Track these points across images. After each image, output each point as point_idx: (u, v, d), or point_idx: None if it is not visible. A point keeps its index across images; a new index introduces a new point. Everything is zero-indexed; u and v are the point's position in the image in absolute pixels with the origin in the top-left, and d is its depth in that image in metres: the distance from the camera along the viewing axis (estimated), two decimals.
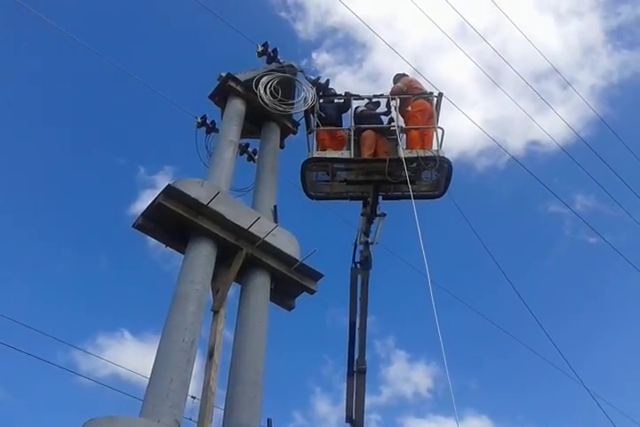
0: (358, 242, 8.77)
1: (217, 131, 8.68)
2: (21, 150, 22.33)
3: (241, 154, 8.88)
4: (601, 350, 24.96)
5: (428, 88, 9.00)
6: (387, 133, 8.51)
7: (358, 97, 8.94)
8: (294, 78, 8.49)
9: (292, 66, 8.56)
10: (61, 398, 20.11)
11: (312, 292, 6.60)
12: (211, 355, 5.49)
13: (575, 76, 25.88)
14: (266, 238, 6.25)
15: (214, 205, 6.04)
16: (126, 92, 20.44)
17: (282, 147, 8.42)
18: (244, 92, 8.06)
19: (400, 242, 11.60)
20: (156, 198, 5.92)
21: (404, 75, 9.36)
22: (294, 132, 8.59)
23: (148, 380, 4.90)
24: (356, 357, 8.30)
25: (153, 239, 6.21)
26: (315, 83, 8.59)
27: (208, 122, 8.96)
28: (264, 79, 8.08)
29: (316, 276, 6.58)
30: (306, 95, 8.27)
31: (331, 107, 8.80)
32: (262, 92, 7.92)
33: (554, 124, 14.64)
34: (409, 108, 8.58)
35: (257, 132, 8.35)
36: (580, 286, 27.38)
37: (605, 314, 25.25)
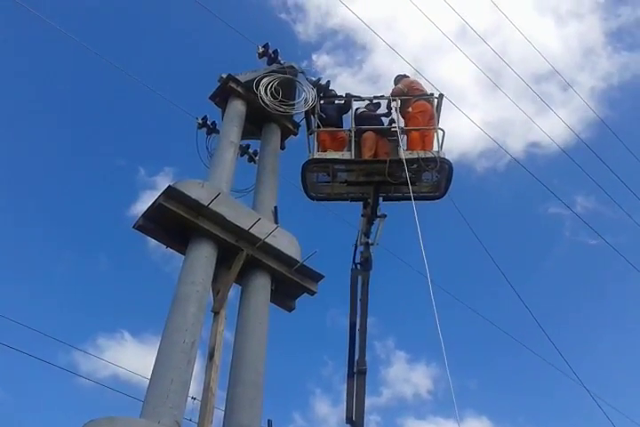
0: (359, 243, 8.78)
1: (217, 132, 8.68)
2: (21, 151, 22.38)
3: (241, 155, 8.88)
4: (601, 351, 24.97)
5: (428, 89, 9.02)
6: (387, 135, 8.52)
7: (359, 98, 8.95)
8: (295, 79, 8.49)
9: (292, 67, 8.56)
10: (61, 398, 20.13)
11: (312, 293, 6.60)
12: (211, 356, 5.49)
13: (575, 77, 25.92)
14: (266, 239, 6.25)
15: (215, 206, 6.04)
16: (127, 93, 20.52)
17: (282, 148, 8.42)
18: (245, 93, 8.06)
19: (400, 243, 11.60)
20: (156, 199, 5.92)
21: (404, 76, 9.37)
22: (295, 134, 8.59)
23: (148, 381, 4.90)
24: (357, 358, 8.29)
25: (153, 240, 6.22)
26: (315, 84, 8.59)
27: (209, 123, 8.97)
28: (265, 80, 8.08)
29: (316, 277, 6.58)
30: (306, 96, 8.28)
31: (331, 108, 8.81)
32: (263, 92, 7.92)
33: (554, 125, 14.68)
34: (409, 110, 8.59)
35: (257, 134, 8.35)
36: (580, 288, 27.43)
37: (606, 315, 25.26)
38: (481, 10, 15.91)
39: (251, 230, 6.20)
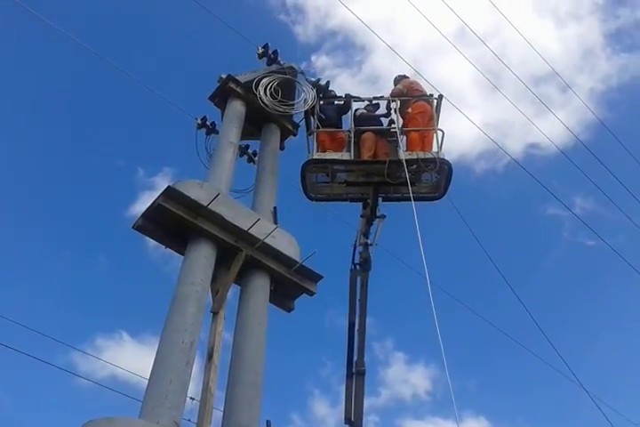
0: (358, 243, 8.78)
1: (217, 132, 8.67)
2: (21, 151, 22.39)
3: (241, 155, 8.87)
4: (600, 352, 25.00)
5: (428, 90, 9.02)
6: (387, 135, 8.53)
7: (358, 99, 8.96)
8: (294, 80, 8.49)
9: (292, 67, 8.56)
10: (60, 399, 20.07)
11: (311, 293, 6.59)
12: (210, 356, 5.49)
13: (574, 79, 25.96)
14: (265, 240, 6.25)
15: (214, 207, 6.04)
16: (126, 94, 20.46)
17: (282, 148, 8.41)
18: (245, 93, 8.05)
19: (399, 244, 11.60)
20: (155, 200, 5.92)
21: (404, 76, 9.37)
22: (294, 134, 8.59)
23: (146, 381, 4.90)
24: (356, 358, 8.29)
25: (152, 240, 6.22)
26: (315, 84, 8.59)
27: (208, 123, 8.95)
28: (264, 80, 8.08)
29: (315, 277, 6.58)
30: (306, 97, 8.27)
31: (331, 108, 8.82)
32: (262, 93, 7.92)
33: (553, 127, 14.65)
34: (409, 110, 8.60)
35: (257, 134, 8.35)
36: (578, 288, 27.45)
37: (604, 316, 25.28)
38: (480, 11, 15.93)
39: (250, 231, 6.19)
